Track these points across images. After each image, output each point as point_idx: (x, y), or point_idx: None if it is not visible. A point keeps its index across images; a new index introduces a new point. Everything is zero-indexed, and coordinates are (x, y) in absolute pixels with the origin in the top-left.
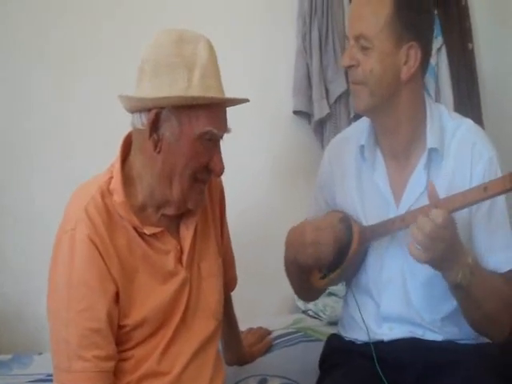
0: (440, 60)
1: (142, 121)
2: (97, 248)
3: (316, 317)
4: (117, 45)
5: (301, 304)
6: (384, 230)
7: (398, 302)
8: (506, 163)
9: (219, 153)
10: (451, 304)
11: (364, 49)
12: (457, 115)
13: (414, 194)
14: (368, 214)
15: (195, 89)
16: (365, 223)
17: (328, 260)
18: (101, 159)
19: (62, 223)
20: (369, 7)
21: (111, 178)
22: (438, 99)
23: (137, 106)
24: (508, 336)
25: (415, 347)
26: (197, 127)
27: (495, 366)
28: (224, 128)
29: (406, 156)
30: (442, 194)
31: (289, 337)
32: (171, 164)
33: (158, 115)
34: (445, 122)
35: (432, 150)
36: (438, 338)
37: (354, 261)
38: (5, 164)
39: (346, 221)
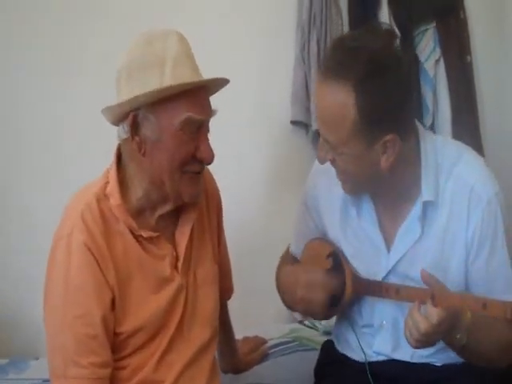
0: (438, 72)
1: (125, 129)
2: (92, 254)
3: (312, 327)
4: (110, 45)
5: (297, 314)
6: (376, 291)
7: (390, 345)
8: (505, 176)
9: (205, 140)
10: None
11: (334, 152)
12: (454, 149)
13: (407, 243)
14: (355, 257)
15: (167, 81)
16: (352, 262)
17: (317, 317)
18: (99, 163)
19: (58, 229)
20: (331, 115)
21: (107, 183)
22: (435, 111)
23: (117, 115)
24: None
25: (411, 367)
26: (175, 118)
27: (492, 379)
28: (206, 112)
29: (397, 202)
30: (437, 243)
31: (284, 346)
32: (158, 162)
33: (136, 117)
34: (440, 161)
35: (426, 202)
36: (436, 364)
37: (345, 305)
38: (3, 169)
39: (337, 260)
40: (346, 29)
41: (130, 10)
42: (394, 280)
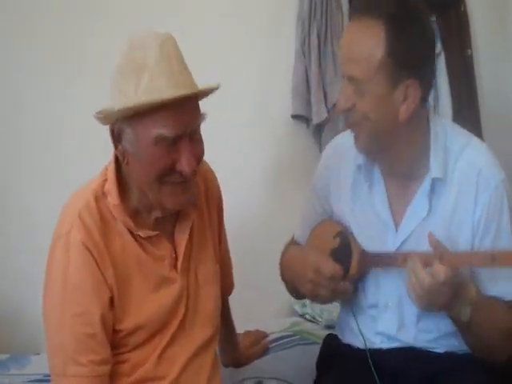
0: (439, 66)
1: None
2: (91, 253)
3: (313, 320)
4: (110, 45)
5: (298, 307)
6: (384, 263)
7: (395, 326)
8: (506, 170)
9: (185, 152)
10: (448, 325)
11: (357, 90)
12: (462, 134)
13: (414, 220)
14: (363, 234)
15: (142, 93)
16: (359, 240)
17: (325, 301)
18: (99, 163)
19: (56, 228)
20: (360, 47)
21: (105, 180)
22: (436, 105)
23: (103, 123)
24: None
25: (412, 356)
26: (150, 132)
27: (493, 374)
28: (182, 126)
29: (407, 179)
30: (444, 222)
31: (285, 340)
32: (138, 173)
33: (114, 128)
34: (449, 144)
35: (435, 179)
36: (437, 350)
37: (352, 284)
38: (3, 168)
39: (345, 240)
40: (346, 23)
41: (130, 9)
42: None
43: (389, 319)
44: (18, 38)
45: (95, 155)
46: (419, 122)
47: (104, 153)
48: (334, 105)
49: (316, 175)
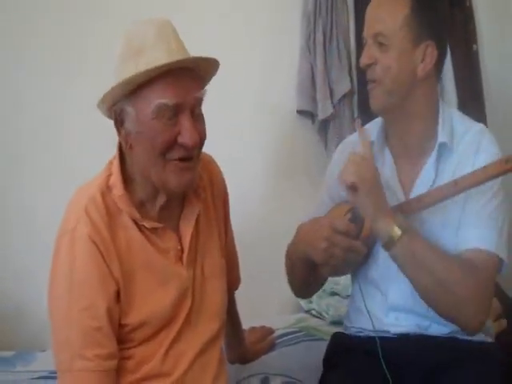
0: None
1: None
2: (97, 247)
3: (319, 316)
4: (110, 45)
5: (304, 303)
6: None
7: (405, 293)
8: None
9: (187, 123)
10: None
11: (382, 46)
12: (468, 119)
13: (423, 187)
14: None
15: (141, 69)
16: None
17: (338, 264)
18: (100, 158)
19: (62, 223)
20: (387, 7)
21: (110, 175)
22: (441, 99)
23: (106, 112)
24: (481, 323)
25: (419, 345)
26: (149, 106)
27: (499, 365)
28: (181, 95)
29: (416, 153)
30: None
31: (291, 336)
32: (141, 153)
33: (116, 111)
34: (455, 125)
35: (442, 145)
36: (444, 330)
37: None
38: (4, 165)
39: (355, 212)
40: (351, 18)
41: (130, 9)
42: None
43: (400, 288)
44: (18, 37)
45: (96, 154)
46: (431, 91)
47: (104, 151)
48: (339, 101)
49: (327, 170)
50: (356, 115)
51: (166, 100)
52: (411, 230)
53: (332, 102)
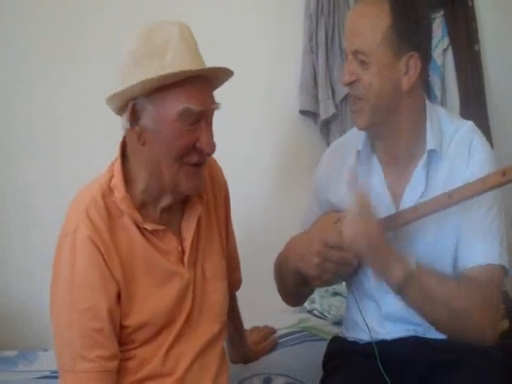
0: (446, 61)
1: (126, 119)
2: (98, 249)
3: (321, 316)
4: (110, 35)
5: (306, 303)
6: (392, 224)
7: (400, 303)
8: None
9: (206, 130)
10: None
11: (362, 63)
12: (456, 118)
13: (414, 195)
14: None
15: (166, 70)
16: None
17: (330, 277)
18: (102, 159)
19: (63, 225)
20: (365, 21)
21: (112, 176)
22: (444, 100)
23: (119, 106)
24: (496, 333)
25: (417, 347)
26: (173, 108)
27: (497, 366)
28: (205, 103)
29: (405, 160)
30: (440, 192)
31: (293, 336)
32: (156, 152)
33: (134, 106)
34: (444, 126)
35: (431, 152)
36: (440, 336)
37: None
38: (7, 165)
39: None
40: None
41: (133, 3)
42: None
43: (394, 298)
44: (18, 27)
45: (97, 154)
46: (418, 100)
47: (106, 152)
48: (342, 101)
49: (316, 173)
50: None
51: (191, 105)
52: (418, 271)
53: (334, 102)
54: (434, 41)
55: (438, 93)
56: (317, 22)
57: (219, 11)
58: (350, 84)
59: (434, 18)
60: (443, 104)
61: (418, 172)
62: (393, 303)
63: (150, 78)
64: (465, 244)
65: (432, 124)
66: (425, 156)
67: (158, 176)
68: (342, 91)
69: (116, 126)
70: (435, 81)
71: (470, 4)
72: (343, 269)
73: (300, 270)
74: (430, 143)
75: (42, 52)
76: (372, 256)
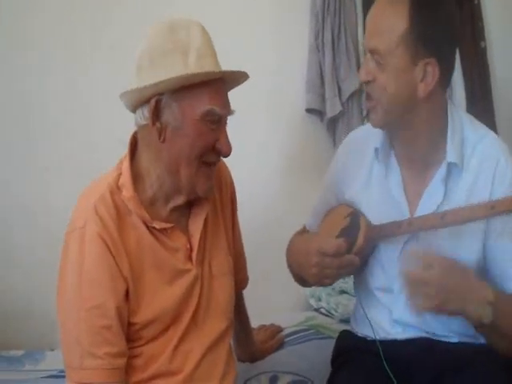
0: None
1: (145, 115)
2: (107, 245)
3: (328, 314)
4: (121, 35)
5: (313, 302)
6: (390, 231)
7: (409, 310)
8: None
9: (225, 133)
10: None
11: (379, 64)
12: (480, 127)
13: (430, 206)
14: (379, 216)
15: (192, 68)
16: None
17: (332, 281)
18: (108, 155)
19: (71, 222)
20: (384, 21)
21: (120, 174)
22: (450, 97)
23: (137, 101)
24: None
25: (428, 348)
26: (198, 108)
27: (507, 367)
28: (226, 107)
29: (423, 165)
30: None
31: (301, 334)
32: (177, 150)
33: (159, 102)
34: (466, 134)
35: (451, 164)
36: (453, 339)
37: (359, 257)
38: (12, 162)
39: (354, 217)
40: (360, 16)
41: (148, 5)
42: (414, 246)
43: (404, 305)
44: (28, 27)
45: (103, 151)
46: (437, 106)
47: (113, 148)
48: (348, 99)
49: (331, 166)
50: (364, 113)
51: (216, 107)
52: (498, 300)
53: (340, 100)
54: None
55: (449, 100)
56: (323, 20)
57: (225, 10)
58: (366, 83)
59: None
60: (450, 101)
61: (437, 182)
62: (403, 311)
63: (179, 75)
64: (503, 274)
65: (453, 133)
66: (444, 167)
67: (175, 175)
68: (348, 89)
69: (123, 126)
70: None
71: (476, 2)
72: (345, 271)
73: (301, 275)
74: (451, 155)
75: (49, 51)
76: (457, 299)
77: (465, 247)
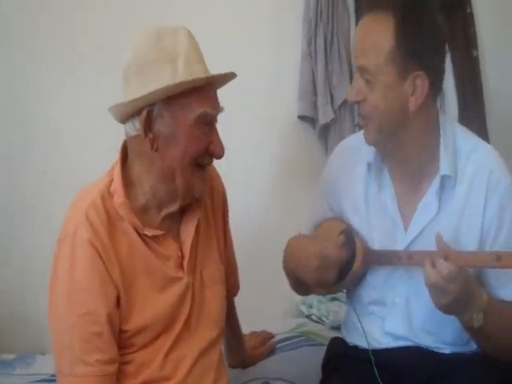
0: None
1: (135, 126)
2: (97, 252)
3: (319, 321)
4: (110, 41)
5: (304, 308)
6: (389, 260)
7: (401, 323)
8: (511, 171)
9: (217, 134)
10: (454, 328)
11: (368, 82)
12: (471, 136)
13: (424, 219)
14: (374, 232)
15: (181, 76)
16: (370, 242)
17: (329, 284)
18: (103, 160)
19: (62, 228)
20: (370, 38)
21: (111, 180)
22: (442, 106)
23: (128, 112)
24: None
25: (418, 357)
26: (190, 113)
27: (500, 372)
28: (217, 107)
29: (416, 179)
30: (453, 221)
31: (292, 340)
32: (171, 157)
33: (150, 113)
34: (459, 145)
35: (445, 177)
36: (445, 351)
37: (354, 278)
38: (8, 167)
39: (349, 237)
40: (352, 24)
41: (143, 8)
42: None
43: (396, 318)
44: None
45: (98, 155)
46: (429, 118)
47: (107, 152)
48: (340, 106)
49: (324, 174)
50: (356, 121)
51: (208, 110)
52: (490, 306)
53: (333, 108)
54: None
55: (440, 111)
56: (316, 28)
57: (217, 16)
58: (358, 102)
59: None
60: (442, 109)
61: (431, 195)
62: (395, 324)
63: (168, 85)
64: (501, 286)
65: (446, 145)
66: (438, 179)
67: (170, 182)
68: (340, 97)
69: (114, 130)
70: None
71: (469, 10)
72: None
73: (299, 278)
74: (444, 168)
75: (42, 58)
76: (458, 305)
77: None
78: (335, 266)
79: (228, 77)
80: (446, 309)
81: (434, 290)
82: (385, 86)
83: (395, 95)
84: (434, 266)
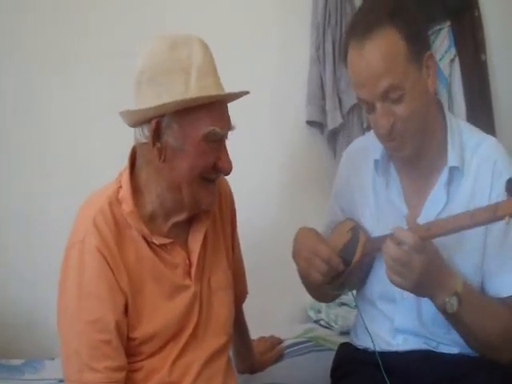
0: (453, 71)
1: (144, 133)
2: (106, 259)
3: (328, 326)
4: (124, 45)
5: (312, 314)
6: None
7: (411, 317)
8: None
9: (226, 151)
10: None
11: (398, 98)
12: (478, 131)
13: (433, 211)
14: (384, 227)
15: (193, 90)
16: (379, 234)
17: (318, 283)
18: (109, 164)
19: (70, 235)
20: (386, 56)
21: (120, 187)
22: (450, 110)
23: (138, 119)
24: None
25: (428, 359)
26: (199, 129)
27: (509, 378)
28: (227, 125)
29: (424, 173)
30: (461, 211)
31: (300, 346)
32: (178, 169)
33: (159, 124)
34: (465, 139)
35: (453, 168)
36: (453, 350)
37: (358, 270)
38: (14, 171)
39: (355, 231)
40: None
41: (149, 13)
42: None
43: (406, 313)
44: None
45: (105, 160)
46: (437, 112)
47: (114, 157)
48: (349, 111)
49: (336, 179)
50: (365, 125)
51: (218, 128)
52: (467, 292)
53: (341, 112)
54: (441, 51)
55: (444, 103)
56: (324, 32)
57: (225, 23)
58: (390, 130)
59: (441, 29)
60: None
61: (439, 188)
62: (404, 317)
63: (181, 99)
64: (493, 279)
65: (453, 137)
66: (446, 172)
67: (177, 193)
68: (349, 101)
69: (122, 135)
70: (442, 91)
71: (477, 14)
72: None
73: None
74: (452, 160)
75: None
76: (423, 288)
77: (464, 259)
78: (324, 267)
79: (240, 94)
80: (413, 288)
81: (396, 266)
82: (412, 86)
83: (421, 86)
84: (398, 243)
